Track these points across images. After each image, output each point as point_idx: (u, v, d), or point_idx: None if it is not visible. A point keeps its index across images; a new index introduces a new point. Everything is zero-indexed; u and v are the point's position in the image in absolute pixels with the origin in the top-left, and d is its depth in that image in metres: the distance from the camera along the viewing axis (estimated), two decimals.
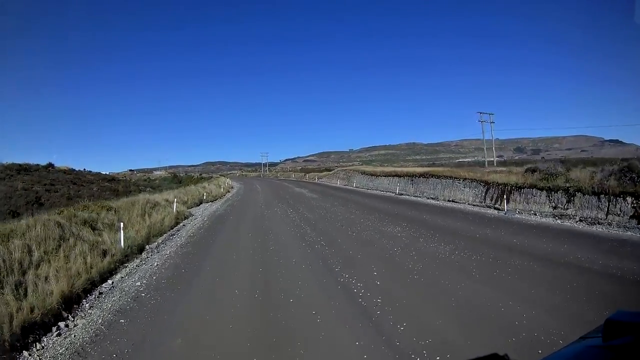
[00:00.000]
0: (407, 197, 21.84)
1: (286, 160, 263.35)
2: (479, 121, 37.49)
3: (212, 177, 59.45)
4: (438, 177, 21.49)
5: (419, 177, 23.32)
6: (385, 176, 27.22)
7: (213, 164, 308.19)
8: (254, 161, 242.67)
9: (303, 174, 66.28)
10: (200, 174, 75.95)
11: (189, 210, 17.10)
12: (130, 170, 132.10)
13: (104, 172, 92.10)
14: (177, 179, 70.12)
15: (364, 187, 29.91)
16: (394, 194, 23.01)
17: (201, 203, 19.73)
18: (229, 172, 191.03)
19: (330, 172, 48.76)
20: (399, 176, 25.42)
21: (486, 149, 38.59)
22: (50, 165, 58.34)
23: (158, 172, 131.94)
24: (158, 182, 71.18)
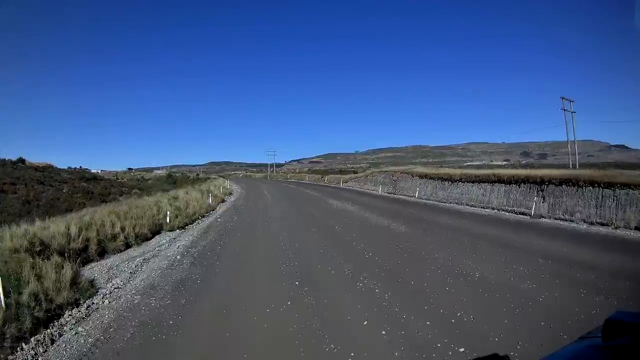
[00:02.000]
0: (560, 223, 11.22)
1: (291, 161, 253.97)
2: (562, 109, 26.85)
3: (209, 178, 48.79)
4: (627, 185, 10.91)
5: (561, 184, 12.76)
6: (472, 182, 16.50)
7: (218, 163, 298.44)
8: (259, 161, 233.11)
9: (320, 176, 51.93)
10: (198, 174, 65.74)
11: (104, 264, 6.62)
12: (129, 168, 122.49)
13: (93, 170, 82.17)
14: (172, 179, 60.02)
15: (432, 197, 19.23)
16: (527, 218, 12.20)
17: (158, 233, 9.23)
18: (232, 173, 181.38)
19: (359, 175, 36.92)
20: (506, 182, 14.81)
21: (569, 148, 27.76)
22: (21, 160, 48.00)
23: (159, 172, 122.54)
24: (151, 182, 60.94)
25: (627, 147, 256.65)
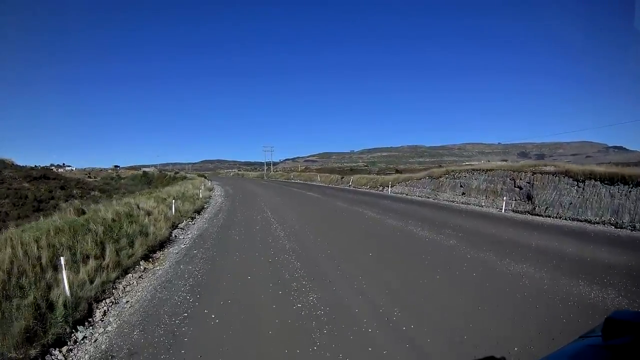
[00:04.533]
0: None
1: (286, 160, 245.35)
2: None
3: (186, 177, 40.29)
4: None
5: None
6: None
7: (211, 161, 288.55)
8: (253, 160, 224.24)
9: (339, 176, 36.20)
10: (176, 173, 57.22)
11: None
12: (115, 166, 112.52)
13: (70, 168, 72.71)
14: (147, 178, 51.54)
15: None
16: None
17: None
18: (225, 171, 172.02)
19: (417, 175, 22.82)
20: None
21: None
22: None
23: (147, 169, 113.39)
24: (124, 182, 52.30)
25: (625, 149, 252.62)
